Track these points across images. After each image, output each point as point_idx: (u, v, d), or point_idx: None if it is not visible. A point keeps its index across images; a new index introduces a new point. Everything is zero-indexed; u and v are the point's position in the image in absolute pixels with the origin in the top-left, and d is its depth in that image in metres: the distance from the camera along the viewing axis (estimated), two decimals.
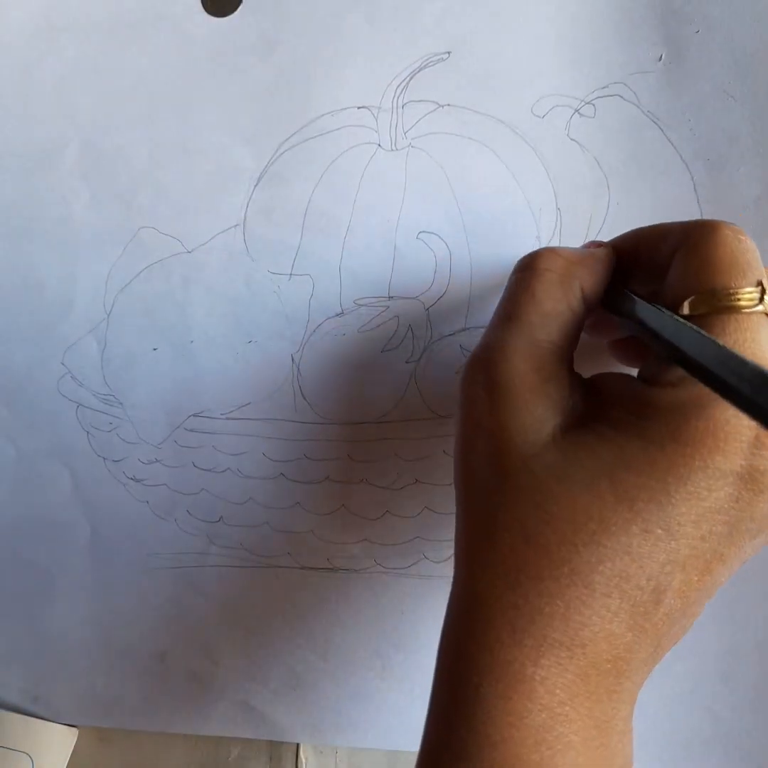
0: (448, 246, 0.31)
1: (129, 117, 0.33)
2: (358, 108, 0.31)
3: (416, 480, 0.33)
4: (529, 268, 0.24)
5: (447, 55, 0.30)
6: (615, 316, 0.24)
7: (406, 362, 0.32)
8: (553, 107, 0.30)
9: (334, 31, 0.31)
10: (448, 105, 0.31)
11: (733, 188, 0.29)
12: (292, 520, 0.34)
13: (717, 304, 0.20)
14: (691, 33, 0.29)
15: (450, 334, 0.32)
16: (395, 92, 0.31)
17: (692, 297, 0.21)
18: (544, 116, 0.30)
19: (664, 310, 0.21)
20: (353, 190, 0.32)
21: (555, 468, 0.21)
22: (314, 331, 0.33)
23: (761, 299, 0.20)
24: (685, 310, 0.21)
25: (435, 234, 0.31)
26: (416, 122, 0.31)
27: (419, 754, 0.22)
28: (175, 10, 0.32)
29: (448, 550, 0.34)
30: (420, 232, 0.31)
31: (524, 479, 0.21)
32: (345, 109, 0.32)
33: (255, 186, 0.32)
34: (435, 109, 0.31)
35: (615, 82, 0.30)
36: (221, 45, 0.32)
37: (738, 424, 0.19)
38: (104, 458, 0.35)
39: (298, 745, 0.36)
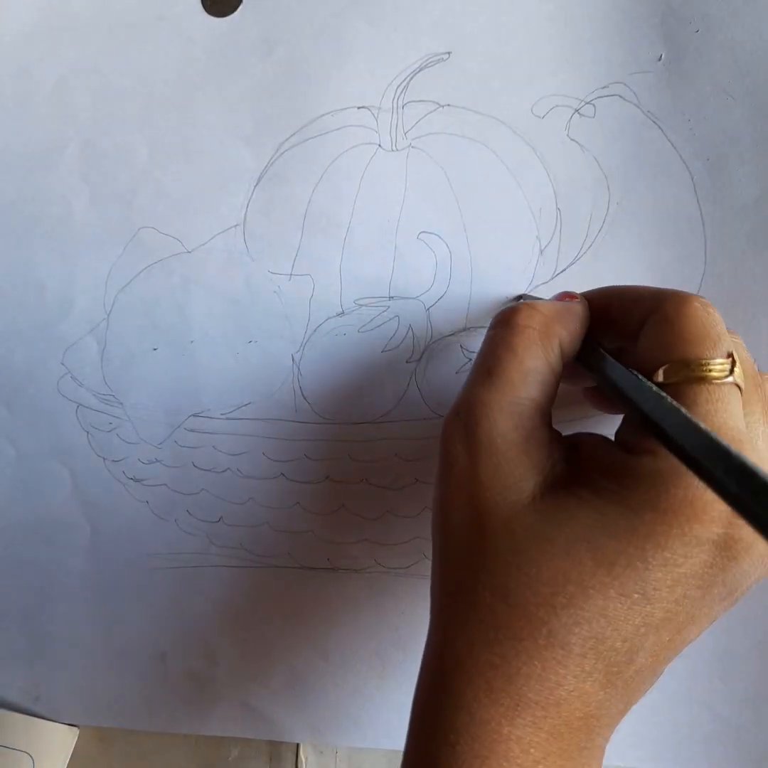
0: (448, 246, 0.31)
1: (129, 117, 0.32)
2: (359, 108, 0.31)
3: (416, 480, 0.33)
4: (509, 324, 0.24)
5: (447, 55, 0.30)
6: (587, 371, 0.25)
7: (407, 362, 0.32)
8: (553, 107, 0.30)
9: (334, 31, 0.31)
10: (449, 105, 0.31)
11: (732, 188, 0.29)
12: (292, 520, 0.34)
13: (690, 374, 0.21)
14: (691, 32, 0.29)
15: (450, 334, 0.32)
16: (395, 92, 0.31)
17: (666, 365, 0.21)
18: (544, 116, 0.30)
19: (640, 377, 0.22)
20: (353, 190, 0.32)
21: (535, 530, 0.21)
22: (314, 331, 0.33)
23: (732, 370, 0.21)
24: (660, 377, 0.21)
25: (435, 234, 0.31)
26: (416, 122, 0.31)
27: None
28: (175, 10, 0.32)
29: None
30: (420, 233, 0.31)
31: (505, 541, 0.21)
32: (345, 109, 0.32)
33: (255, 186, 0.32)
34: (435, 109, 0.31)
35: (615, 82, 0.30)
36: (221, 45, 0.32)
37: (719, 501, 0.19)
38: (104, 458, 0.35)
39: (298, 744, 0.36)
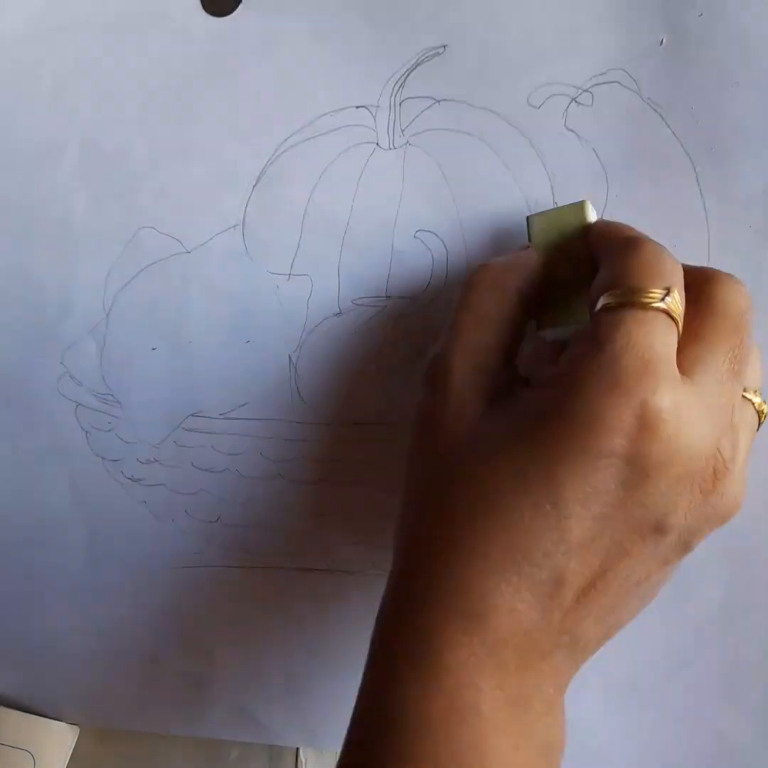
0: (444, 244, 0.31)
1: (128, 117, 0.33)
2: (357, 107, 0.31)
3: None
4: (465, 284, 0.27)
5: (443, 48, 0.30)
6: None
7: (404, 362, 0.32)
8: (549, 97, 0.29)
9: (331, 30, 0.31)
10: (445, 100, 0.30)
11: (737, 179, 0.28)
12: (289, 521, 0.34)
13: (622, 300, 0.21)
14: (694, 16, 0.28)
15: None
16: (393, 90, 0.31)
17: (607, 293, 0.22)
18: (540, 106, 0.29)
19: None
20: (352, 190, 0.32)
21: (465, 442, 0.23)
22: (312, 330, 0.32)
23: (663, 299, 0.21)
24: (599, 304, 0.22)
25: (432, 232, 0.31)
26: (413, 119, 0.31)
27: (350, 725, 0.24)
28: (175, 9, 0.32)
29: None
30: (417, 231, 0.31)
31: (448, 459, 0.23)
32: (344, 108, 0.31)
33: (254, 186, 0.32)
34: (432, 105, 0.30)
35: (613, 68, 0.29)
36: (220, 45, 0.32)
37: (618, 403, 0.20)
38: (102, 458, 0.35)
39: (297, 747, 0.36)
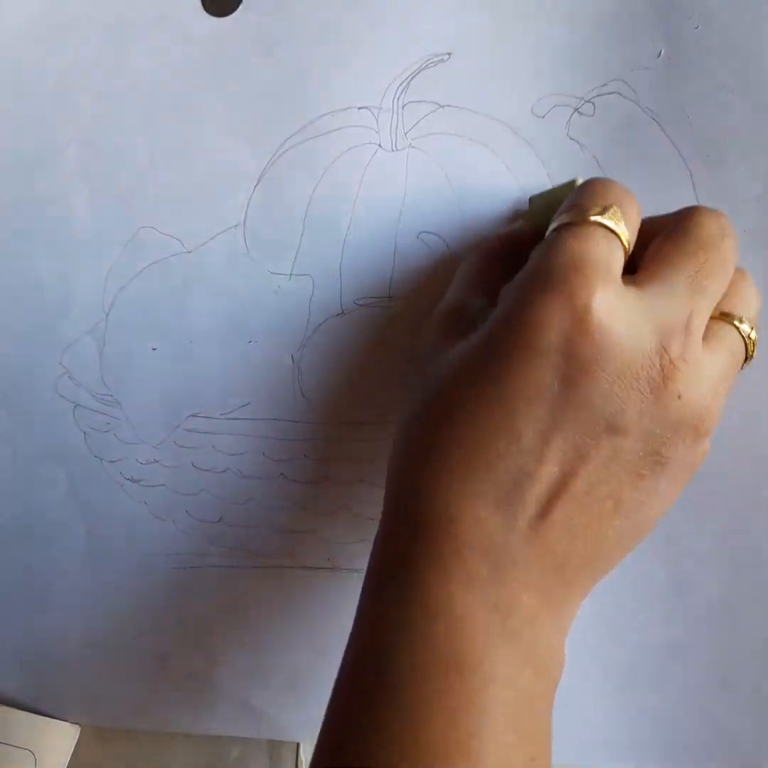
0: (448, 246, 0.31)
1: (129, 117, 0.32)
2: (359, 108, 0.31)
3: None
4: (465, 259, 0.29)
5: (448, 56, 0.30)
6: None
7: (407, 362, 0.32)
8: (553, 107, 0.30)
9: (334, 31, 0.31)
10: (449, 106, 0.31)
11: (733, 186, 0.29)
12: (292, 520, 0.34)
13: (565, 221, 0.23)
14: (690, 28, 0.29)
15: None
16: (396, 93, 0.31)
17: (556, 220, 0.24)
18: (544, 116, 0.30)
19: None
20: (353, 190, 0.32)
21: (437, 352, 0.25)
22: (314, 331, 0.33)
23: (600, 214, 0.22)
24: (553, 224, 0.24)
25: (435, 234, 0.31)
26: (417, 123, 0.31)
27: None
28: (175, 10, 0.32)
29: None
30: (420, 233, 0.31)
31: (423, 386, 0.25)
32: (345, 109, 0.32)
33: (255, 186, 0.32)
34: (435, 110, 0.31)
35: (614, 79, 0.30)
36: (221, 45, 0.32)
37: (545, 298, 0.21)
38: (101, 459, 0.35)
39: (298, 744, 0.36)
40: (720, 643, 0.32)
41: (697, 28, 0.29)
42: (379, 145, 0.32)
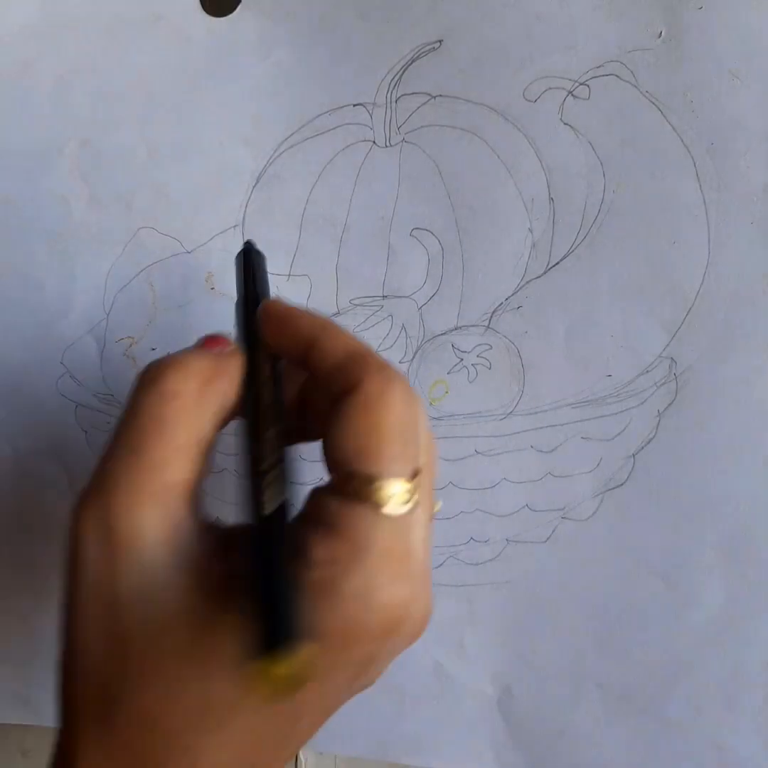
0: (440, 242, 0.31)
1: (128, 117, 0.33)
2: (354, 105, 0.31)
3: None
4: (156, 390, 0.21)
5: (438, 43, 0.30)
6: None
7: (400, 362, 0.31)
8: (545, 90, 0.29)
9: (329, 28, 0.31)
10: (441, 95, 0.30)
11: (738, 175, 0.28)
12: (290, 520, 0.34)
13: (368, 497, 0.19)
14: (693, 8, 0.28)
15: (442, 333, 0.31)
16: (389, 87, 0.31)
17: (347, 473, 0.19)
18: (536, 100, 0.29)
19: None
20: (349, 188, 0.32)
21: (185, 651, 0.19)
22: None
23: (412, 498, 0.19)
24: (332, 488, 0.20)
25: (428, 230, 0.31)
26: (409, 116, 0.31)
27: None
28: (174, 9, 0.32)
29: (443, 557, 0.33)
30: (413, 229, 0.31)
31: (150, 663, 0.19)
32: (341, 107, 0.31)
33: (254, 186, 0.32)
34: (428, 101, 0.30)
35: (611, 61, 0.28)
36: (220, 45, 0.32)
37: (371, 620, 0.19)
38: None
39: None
40: (724, 662, 0.30)
41: (700, 8, 0.28)
42: (374, 142, 0.31)
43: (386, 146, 0.31)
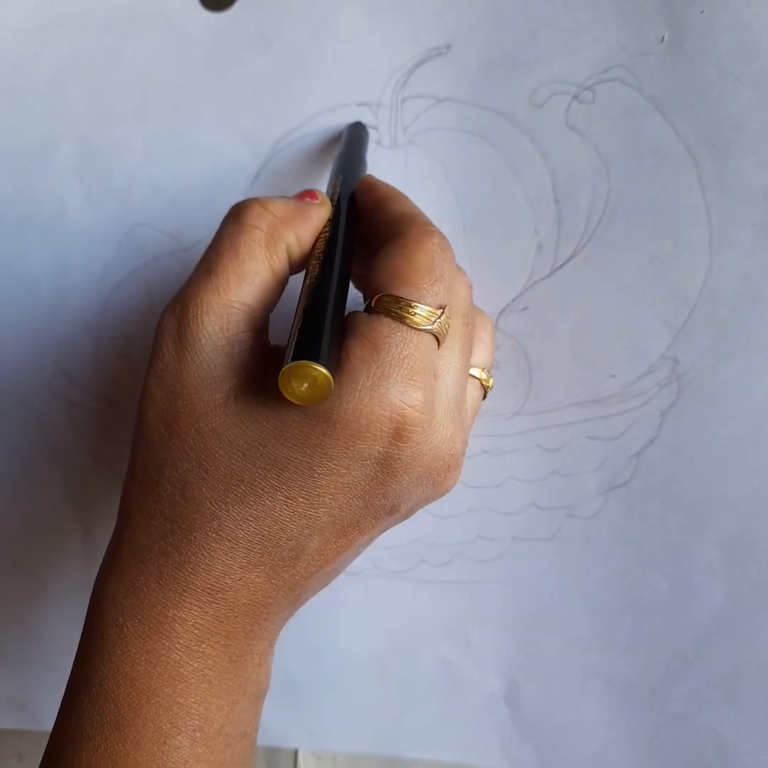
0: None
1: (124, 113, 0.32)
2: (358, 105, 0.31)
3: None
4: (237, 221, 0.24)
5: (446, 48, 0.30)
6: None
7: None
8: (551, 95, 0.29)
9: (332, 26, 0.31)
10: (448, 99, 0.30)
11: (739, 177, 0.28)
12: None
13: (394, 311, 0.22)
14: (695, 13, 0.28)
15: None
16: (395, 88, 0.30)
17: (379, 296, 0.23)
18: (542, 105, 0.29)
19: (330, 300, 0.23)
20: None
21: (221, 431, 0.22)
22: None
23: (434, 321, 0.22)
24: (374, 302, 0.23)
25: None
26: (416, 118, 0.31)
27: (63, 699, 0.23)
28: (172, 4, 0.32)
29: (447, 555, 0.33)
30: None
31: (191, 438, 0.22)
32: (344, 105, 0.31)
33: (252, 183, 0.32)
34: (434, 105, 0.30)
35: (615, 66, 0.29)
36: (218, 40, 0.32)
37: (381, 415, 0.21)
38: (96, 458, 0.34)
39: (296, 751, 0.36)
40: (726, 658, 0.31)
41: (702, 12, 0.28)
42: (378, 142, 0.31)
43: (392, 147, 0.31)
